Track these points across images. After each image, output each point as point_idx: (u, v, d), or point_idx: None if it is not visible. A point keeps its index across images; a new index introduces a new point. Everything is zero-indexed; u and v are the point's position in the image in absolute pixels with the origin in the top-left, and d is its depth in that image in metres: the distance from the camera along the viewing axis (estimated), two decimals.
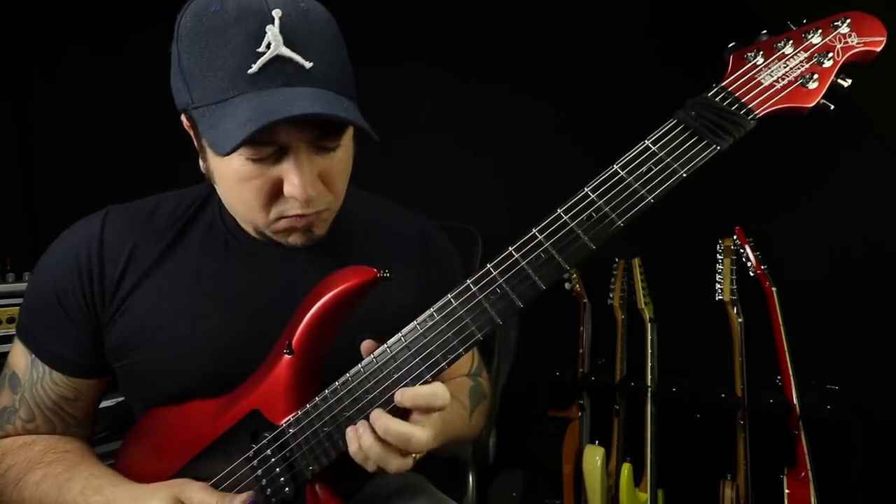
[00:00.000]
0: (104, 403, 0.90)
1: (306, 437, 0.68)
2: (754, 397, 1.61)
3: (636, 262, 1.87)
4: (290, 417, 0.69)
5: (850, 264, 1.63)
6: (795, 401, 1.54)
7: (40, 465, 0.76)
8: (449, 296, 0.65)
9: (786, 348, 1.56)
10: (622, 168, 0.64)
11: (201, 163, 0.75)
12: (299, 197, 0.67)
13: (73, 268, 0.76)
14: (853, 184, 1.63)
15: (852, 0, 0.70)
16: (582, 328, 1.97)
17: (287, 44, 0.62)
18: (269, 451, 0.70)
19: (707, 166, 0.63)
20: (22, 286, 1.58)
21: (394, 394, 0.64)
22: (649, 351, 1.81)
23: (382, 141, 0.66)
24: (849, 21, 0.65)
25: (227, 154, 0.60)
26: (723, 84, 0.67)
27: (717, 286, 1.66)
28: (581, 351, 1.96)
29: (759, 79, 0.66)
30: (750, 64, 0.67)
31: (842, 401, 1.53)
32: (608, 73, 1.96)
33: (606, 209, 0.63)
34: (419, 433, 0.63)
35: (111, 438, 1.22)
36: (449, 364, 0.65)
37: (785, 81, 0.65)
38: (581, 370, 1.95)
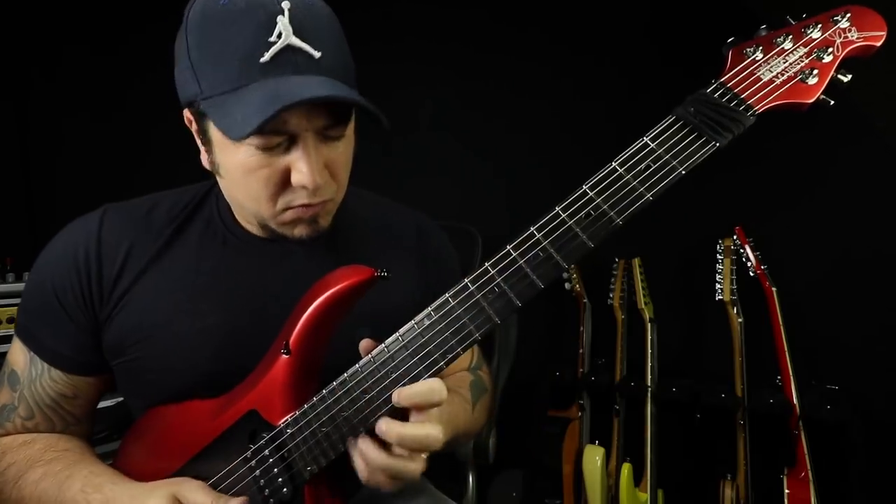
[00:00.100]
0: (104, 403, 0.89)
1: (304, 437, 0.68)
2: (754, 397, 1.60)
3: (636, 261, 1.87)
4: (288, 418, 0.69)
5: (851, 264, 1.62)
6: (795, 401, 1.53)
7: (40, 463, 0.76)
8: (447, 295, 0.65)
9: (786, 348, 1.55)
10: (621, 166, 0.63)
11: (204, 157, 0.74)
12: (308, 184, 0.67)
13: (71, 265, 0.76)
14: (854, 183, 1.62)
15: None
16: (582, 328, 1.96)
17: (297, 34, 0.63)
18: (266, 452, 0.70)
19: (707, 166, 0.63)
20: (22, 286, 1.58)
21: (391, 394, 0.64)
22: (649, 351, 1.80)
23: (382, 140, 0.66)
24: (849, 15, 0.65)
25: (245, 137, 0.61)
26: (722, 80, 0.66)
27: (717, 286, 1.65)
28: (581, 351, 1.95)
29: (758, 74, 0.66)
30: (749, 59, 0.67)
31: (842, 401, 1.53)
32: (608, 72, 1.95)
33: (605, 207, 0.62)
34: (433, 430, 0.63)
35: (111, 438, 1.22)
36: (447, 364, 0.64)
37: (784, 77, 0.65)
38: (581, 370, 1.95)
